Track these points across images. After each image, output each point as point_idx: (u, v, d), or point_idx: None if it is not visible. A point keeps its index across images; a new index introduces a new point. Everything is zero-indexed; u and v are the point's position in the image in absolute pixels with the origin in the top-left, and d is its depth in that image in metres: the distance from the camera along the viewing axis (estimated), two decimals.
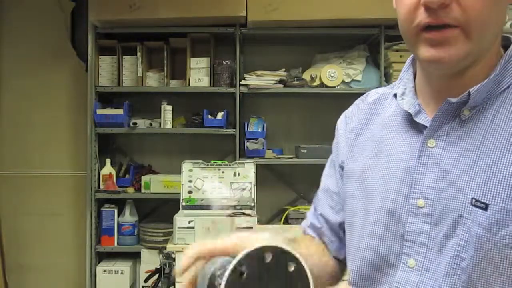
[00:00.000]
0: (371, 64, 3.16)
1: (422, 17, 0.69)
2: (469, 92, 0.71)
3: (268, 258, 0.51)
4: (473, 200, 0.69)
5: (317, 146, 3.04)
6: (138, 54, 3.07)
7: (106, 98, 3.26)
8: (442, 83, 0.76)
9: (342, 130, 0.93)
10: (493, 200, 0.67)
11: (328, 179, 0.95)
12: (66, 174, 3.39)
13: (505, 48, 0.76)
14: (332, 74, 3.04)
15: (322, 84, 3.06)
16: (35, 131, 3.38)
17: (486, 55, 0.73)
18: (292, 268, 0.52)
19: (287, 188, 3.38)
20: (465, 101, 0.72)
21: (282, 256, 0.52)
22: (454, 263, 0.70)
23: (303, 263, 0.52)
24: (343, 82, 3.07)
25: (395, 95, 0.83)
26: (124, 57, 3.12)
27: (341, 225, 0.91)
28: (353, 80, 3.09)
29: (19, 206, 3.38)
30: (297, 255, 0.52)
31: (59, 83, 3.37)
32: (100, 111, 3.09)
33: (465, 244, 0.69)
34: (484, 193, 0.68)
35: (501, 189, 0.67)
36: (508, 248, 0.66)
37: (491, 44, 0.73)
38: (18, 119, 3.39)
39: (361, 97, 0.94)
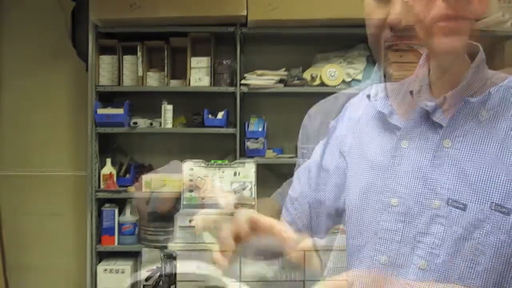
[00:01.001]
0: (372, 64, 3.17)
1: (439, 8, 0.68)
2: (489, 91, 0.70)
3: None
4: (494, 205, 0.68)
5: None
6: (139, 53, 3.07)
7: (107, 98, 3.26)
8: (438, 77, 0.77)
9: (348, 115, 0.93)
10: None
11: (326, 154, 0.95)
12: (66, 173, 3.39)
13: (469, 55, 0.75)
14: (332, 73, 3.04)
15: (323, 84, 3.06)
16: (35, 131, 3.37)
17: None
18: None
19: None
20: (484, 101, 0.71)
21: None
22: (469, 267, 0.70)
23: None
24: (343, 81, 3.07)
25: (411, 93, 0.81)
26: (124, 56, 3.12)
27: (322, 204, 0.92)
28: (353, 79, 3.09)
29: (19, 206, 3.37)
30: None
31: (59, 83, 3.37)
32: (100, 111, 3.08)
33: (482, 248, 0.68)
34: (506, 198, 0.67)
35: None
36: None
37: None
38: (18, 119, 3.38)
39: (363, 91, 0.94)
